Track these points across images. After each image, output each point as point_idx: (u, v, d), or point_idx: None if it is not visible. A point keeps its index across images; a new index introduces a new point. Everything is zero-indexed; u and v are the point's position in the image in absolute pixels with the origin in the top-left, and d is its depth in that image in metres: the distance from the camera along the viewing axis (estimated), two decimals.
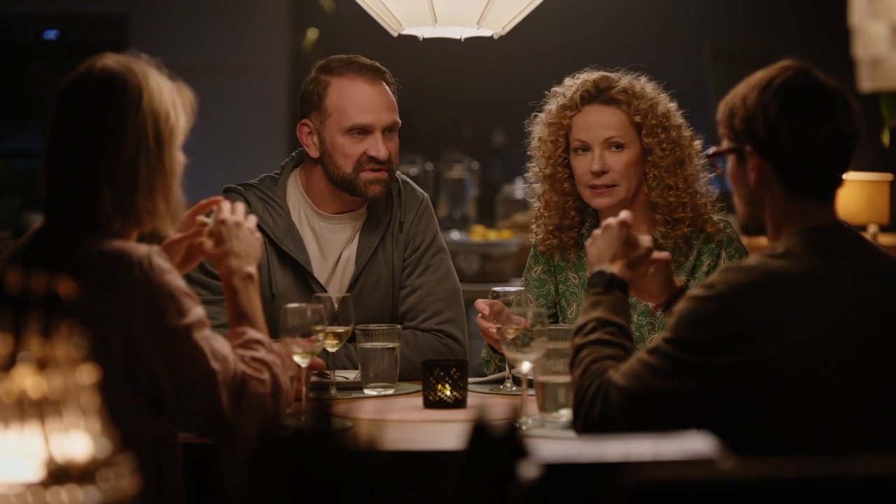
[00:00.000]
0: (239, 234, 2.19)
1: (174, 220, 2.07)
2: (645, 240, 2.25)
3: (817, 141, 1.98)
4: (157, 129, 2.01)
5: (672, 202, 2.85)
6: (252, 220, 2.24)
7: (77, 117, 2.00)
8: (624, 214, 2.25)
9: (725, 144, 2.07)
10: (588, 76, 2.91)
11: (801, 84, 2.00)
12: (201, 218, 2.26)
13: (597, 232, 2.26)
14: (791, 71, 2.02)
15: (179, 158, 2.07)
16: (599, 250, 2.23)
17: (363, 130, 2.92)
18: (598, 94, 2.87)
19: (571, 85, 2.91)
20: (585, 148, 2.87)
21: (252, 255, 2.20)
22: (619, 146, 2.85)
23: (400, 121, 2.97)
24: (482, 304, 2.73)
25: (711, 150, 2.16)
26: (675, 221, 2.86)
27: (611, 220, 2.24)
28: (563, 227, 2.93)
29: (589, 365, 2.07)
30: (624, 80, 2.90)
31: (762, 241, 2.26)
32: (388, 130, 2.94)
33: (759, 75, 2.03)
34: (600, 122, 2.86)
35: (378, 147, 2.91)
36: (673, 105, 2.92)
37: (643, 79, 2.92)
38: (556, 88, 2.94)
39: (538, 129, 2.95)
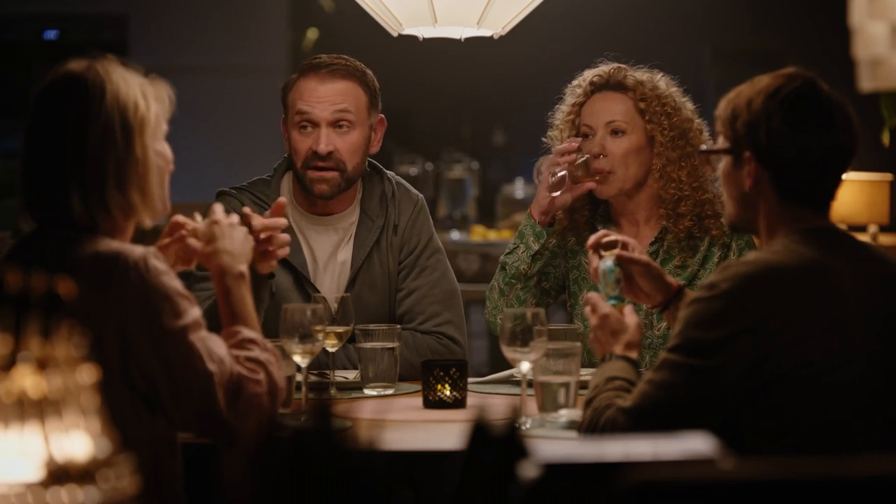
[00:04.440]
0: (232, 233, 2.19)
1: (155, 213, 2.05)
2: (630, 317, 2.24)
3: (817, 153, 1.99)
4: (125, 121, 1.99)
5: (673, 195, 2.86)
6: (244, 229, 2.24)
7: (43, 122, 2.02)
8: (603, 309, 2.23)
9: (722, 143, 2.07)
10: (604, 67, 2.95)
11: (808, 95, 2.01)
12: (180, 217, 2.25)
13: (591, 332, 2.26)
14: (799, 81, 2.01)
15: (158, 149, 2.05)
16: (601, 344, 2.24)
17: (310, 124, 2.92)
18: (608, 80, 2.92)
19: (587, 75, 2.96)
20: (590, 132, 2.92)
21: (244, 255, 2.19)
22: (620, 132, 2.88)
23: (351, 117, 2.91)
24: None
25: (705, 146, 2.16)
26: (678, 216, 2.87)
27: (593, 321, 2.24)
28: (574, 208, 2.96)
29: (598, 405, 2.06)
30: (638, 71, 2.93)
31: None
32: (336, 126, 2.93)
33: (766, 81, 2.03)
34: (604, 108, 2.92)
35: (318, 140, 2.90)
36: (685, 100, 2.94)
37: (659, 74, 2.95)
38: (575, 80, 2.99)
39: (557, 118, 3.00)
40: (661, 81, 2.93)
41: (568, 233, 2.99)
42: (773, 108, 1.99)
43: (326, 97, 2.92)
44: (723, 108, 2.07)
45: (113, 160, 1.98)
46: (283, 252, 2.51)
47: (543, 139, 3.04)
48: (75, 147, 1.97)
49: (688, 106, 2.94)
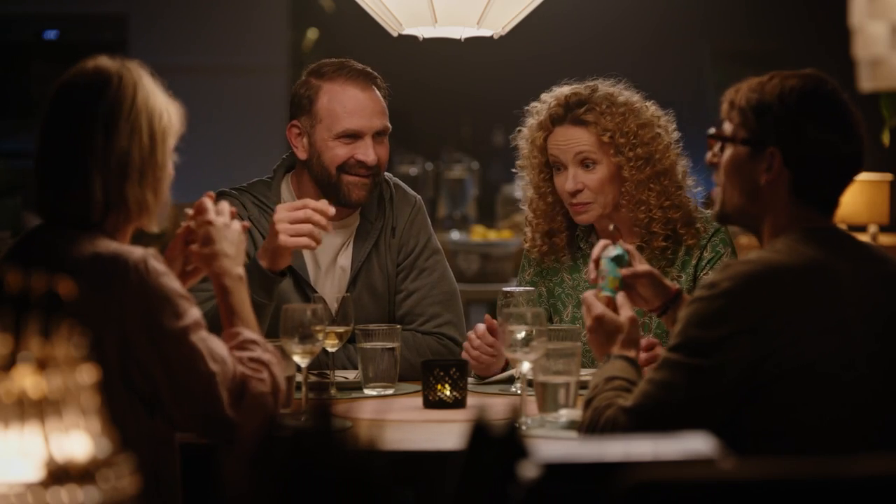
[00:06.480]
0: (228, 234, 2.19)
1: (161, 219, 2.07)
2: (624, 313, 2.23)
3: (843, 157, 1.98)
4: (151, 126, 2.02)
5: (643, 218, 2.85)
6: (237, 223, 2.24)
7: (70, 112, 2.02)
8: (596, 310, 2.23)
9: (737, 132, 2.05)
10: (559, 93, 2.90)
11: (838, 100, 2.00)
12: (187, 221, 2.25)
13: (587, 333, 2.26)
14: (829, 85, 2.00)
15: (171, 159, 2.08)
16: (598, 345, 2.23)
17: (354, 136, 2.91)
18: (566, 115, 2.87)
19: (546, 102, 2.91)
20: (560, 165, 2.89)
21: (241, 258, 2.20)
22: (592, 163, 2.85)
23: (390, 126, 2.96)
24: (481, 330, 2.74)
25: (713, 130, 2.10)
26: (651, 234, 2.86)
27: (587, 322, 2.24)
28: (553, 232, 2.96)
29: (598, 404, 2.06)
30: (595, 94, 2.88)
31: (743, 238, 2.24)
32: (378, 135, 2.94)
33: (797, 81, 2.00)
34: (571, 139, 2.87)
35: (367, 151, 2.90)
36: (650, 112, 2.89)
37: (618, 87, 2.90)
38: (534, 104, 2.94)
39: (522, 143, 2.97)
40: (620, 100, 2.86)
41: (546, 256, 2.98)
42: (809, 109, 1.98)
43: (373, 109, 2.93)
44: (743, 97, 2.03)
45: (138, 159, 2.01)
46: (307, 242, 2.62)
47: (513, 170, 3.03)
48: (103, 139, 1.99)
49: (651, 119, 2.87)
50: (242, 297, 2.16)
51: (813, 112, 1.98)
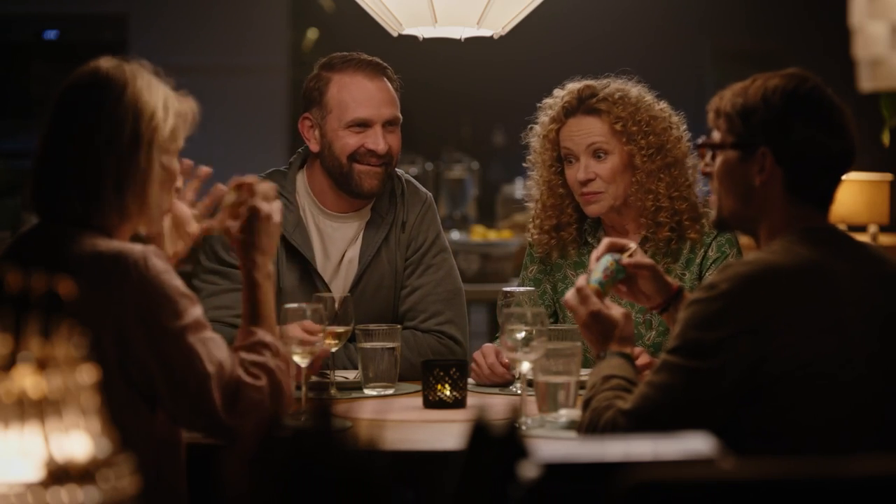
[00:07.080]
0: (269, 229, 2.16)
1: (151, 223, 2.04)
2: (616, 310, 2.24)
3: (833, 153, 1.99)
4: (136, 127, 1.98)
5: (651, 206, 2.86)
6: (278, 216, 2.19)
7: (58, 115, 2.01)
8: (592, 306, 2.23)
9: (725, 137, 2.05)
10: (572, 87, 2.94)
11: (823, 96, 2.01)
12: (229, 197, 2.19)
13: (581, 329, 2.26)
14: (811, 82, 2.01)
15: (165, 162, 2.02)
16: (595, 341, 2.23)
17: (363, 124, 2.93)
18: (579, 105, 2.90)
19: (558, 97, 2.94)
20: (572, 157, 2.91)
21: (273, 253, 2.18)
22: (604, 153, 2.87)
23: (401, 116, 2.97)
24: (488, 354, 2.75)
25: (702, 139, 2.11)
26: (657, 225, 2.87)
27: (581, 313, 2.24)
28: (561, 226, 2.98)
29: (597, 405, 2.06)
30: (608, 87, 2.91)
31: (744, 239, 2.24)
32: (388, 125, 2.95)
33: (779, 80, 2.01)
34: (583, 131, 2.90)
35: (377, 140, 2.92)
36: (661, 108, 2.92)
37: (630, 83, 2.93)
38: (546, 100, 2.97)
39: (533, 140, 2.99)
40: (633, 93, 2.90)
41: (553, 251, 2.99)
42: (794, 106, 1.98)
43: (382, 98, 2.95)
44: (728, 102, 2.04)
45: (114, 162, 1.97)
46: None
47: (524, 164, 3.04)
48: (81, 142, 1.97)
49: (662, 113, 2.91)
50: (267, 295, 2.13)
51: (798, 109, 1.99)
